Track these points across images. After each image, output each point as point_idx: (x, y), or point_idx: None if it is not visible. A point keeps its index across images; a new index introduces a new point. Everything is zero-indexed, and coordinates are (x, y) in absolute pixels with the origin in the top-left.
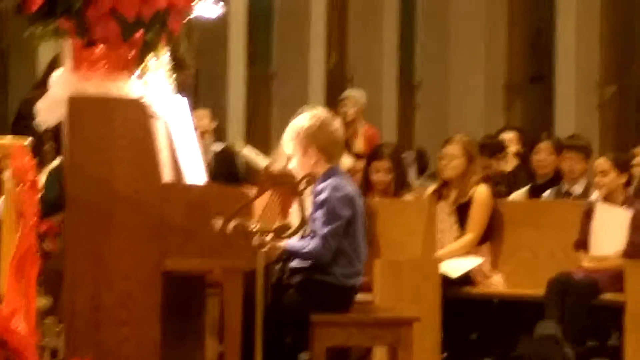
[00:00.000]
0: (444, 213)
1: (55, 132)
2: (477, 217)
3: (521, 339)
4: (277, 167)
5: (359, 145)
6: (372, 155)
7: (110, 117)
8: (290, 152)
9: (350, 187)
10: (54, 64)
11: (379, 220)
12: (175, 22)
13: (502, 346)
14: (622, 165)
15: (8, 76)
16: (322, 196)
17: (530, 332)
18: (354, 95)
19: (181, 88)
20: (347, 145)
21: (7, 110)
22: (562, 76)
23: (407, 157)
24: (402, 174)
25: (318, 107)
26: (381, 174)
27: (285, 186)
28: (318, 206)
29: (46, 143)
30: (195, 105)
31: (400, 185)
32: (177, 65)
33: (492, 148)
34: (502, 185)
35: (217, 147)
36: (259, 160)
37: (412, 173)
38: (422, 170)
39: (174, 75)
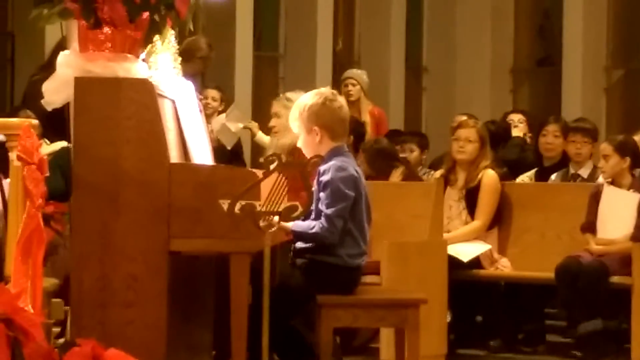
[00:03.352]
0: (452, 200)
1: (60, 113)
2: (486, 204)
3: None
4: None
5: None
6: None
7: (117, 98)
8: (296, 131)
9: (354, 168)
10: (60, 47)
11: (385, 203)
12: (181, 3)
13: (509, 328)
14: (624, 150)
15: (15, 59)
16: (326, 177)
17: (536, 314)
18: (356, 75)
19: (193, 74)
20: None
21: (14, 93)
22: (569, 60)
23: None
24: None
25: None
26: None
27: (293, 167)
28: (322, 187)
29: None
30: (202, 88)
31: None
32: (187, 53)
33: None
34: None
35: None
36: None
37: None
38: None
39: (187, 64)
